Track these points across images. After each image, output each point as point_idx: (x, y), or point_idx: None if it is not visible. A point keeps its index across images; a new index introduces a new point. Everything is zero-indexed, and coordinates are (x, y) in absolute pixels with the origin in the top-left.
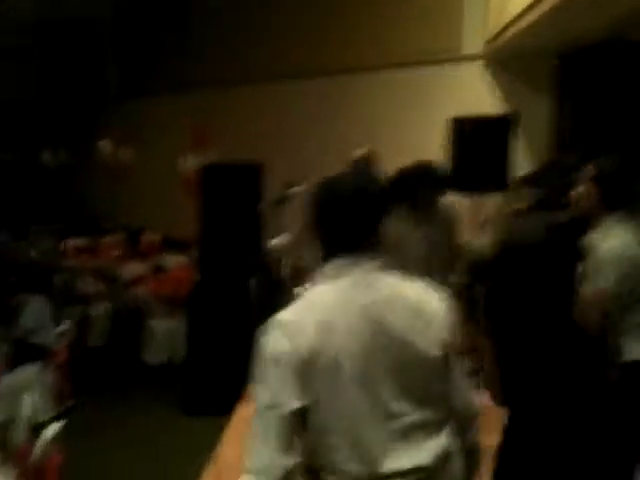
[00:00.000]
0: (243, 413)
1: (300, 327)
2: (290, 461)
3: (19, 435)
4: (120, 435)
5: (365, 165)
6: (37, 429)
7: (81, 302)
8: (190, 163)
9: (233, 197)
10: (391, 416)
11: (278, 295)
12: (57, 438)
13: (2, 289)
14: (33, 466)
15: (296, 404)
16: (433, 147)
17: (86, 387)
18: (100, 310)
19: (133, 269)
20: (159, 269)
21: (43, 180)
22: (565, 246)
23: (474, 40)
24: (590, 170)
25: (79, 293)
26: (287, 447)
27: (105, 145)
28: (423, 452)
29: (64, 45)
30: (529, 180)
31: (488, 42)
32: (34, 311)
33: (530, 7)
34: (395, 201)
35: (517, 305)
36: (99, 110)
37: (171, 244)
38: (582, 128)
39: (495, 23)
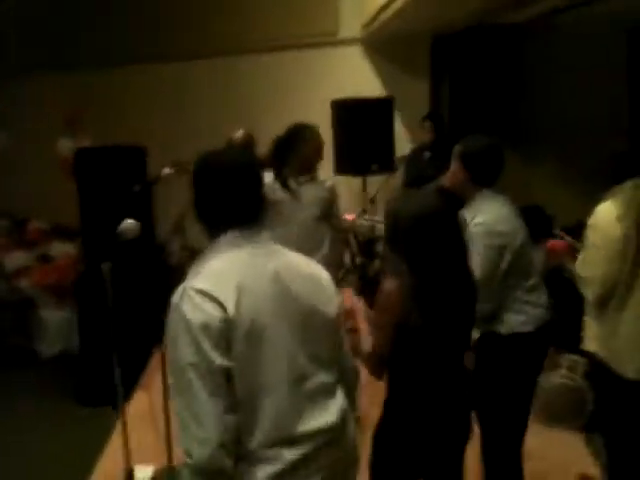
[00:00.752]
0: (139, 402)
1: (217, 294)
2: (230, 421)
3: None
4: (7, 431)
5: (243, 147)
6: None
7: None
8: (64, 146)
9: (114, 181)
10: (304, 378)
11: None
12: None
13: None
14: None
15: (225, 362)
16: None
17: None
18: None
19: (17, 259)
20: (45, 258)
21: None
22: (454, 214)
23: (352, 24)
24: (457, 149)
25: None
26: (225, 405)
27: None
28: (327, 413)
29: None
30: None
31: (364, 26)
32: None
33: None
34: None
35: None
36: None
37: (61, 232)
38: (457, 108)
39: (370, 7)
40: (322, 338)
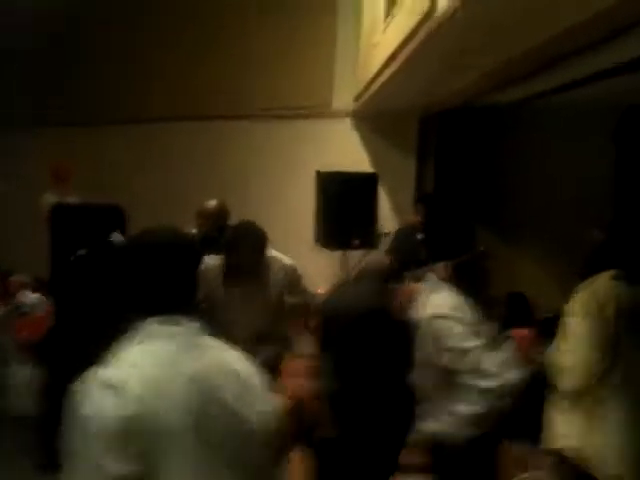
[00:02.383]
0: None
1: (127, 388)
2: None
3: None
4: None
5: (217, 217)
6: None
7: None
8: (48, 201)
9: (87, 240)
10: None
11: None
12: None
13: None
14: None
15: (121, 470)
16: (301, 200)
17: None
18: None
19: None
20: (21, 313)
21: None
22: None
23: (344, 97)
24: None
25: None
26: None
27: None
28: None
29: None
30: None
31: (355, 99)
32: None
33: (386, 64)
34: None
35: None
36: None
37: (42, 286)
38: (441, 187)
39: (361, 80)
40: (245, 447)
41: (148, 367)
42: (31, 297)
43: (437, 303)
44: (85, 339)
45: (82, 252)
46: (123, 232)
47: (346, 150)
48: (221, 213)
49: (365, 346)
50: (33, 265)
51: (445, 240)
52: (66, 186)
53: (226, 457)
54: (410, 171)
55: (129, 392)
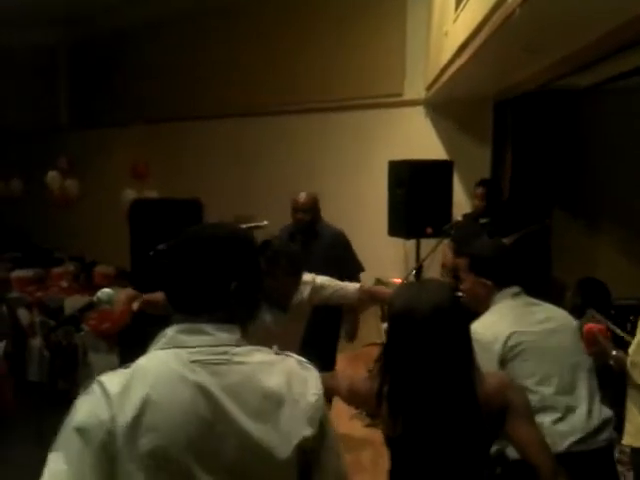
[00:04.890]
0: None
1: (124, 397)
2: None
3: None
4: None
5: (307, 211)
6: None
7: (20, 334)
8: (127, 197)
9: (166, 234)
10: None
11: None
12: None
13: None
14: None
15: None
16: (373, 190)
17: (20, 423)
18: (39, 344)
19: (77, 303)
20: (105, 304)
21: None
22: (461, 319)
23: (416, 85)
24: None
25: (19, 325)
26: None
27: (52, 176)
28: None
29: (17, 72)
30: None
31: (428, 88)
32: None
33: (458, 53)
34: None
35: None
36: (52, 140)
37: (124, 278)
38: (519, 174)
39: (432, 69)
40: (257, 477)
41: (150, 378)
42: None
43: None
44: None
45: (162, 246)
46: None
47: (419, 139)
48: (310, 206)
49: (437, 344)
50: (116, 257)
51: (506, 221)
52: (145, 182)
53: None
54: (485, 158)
55: (125, 403)
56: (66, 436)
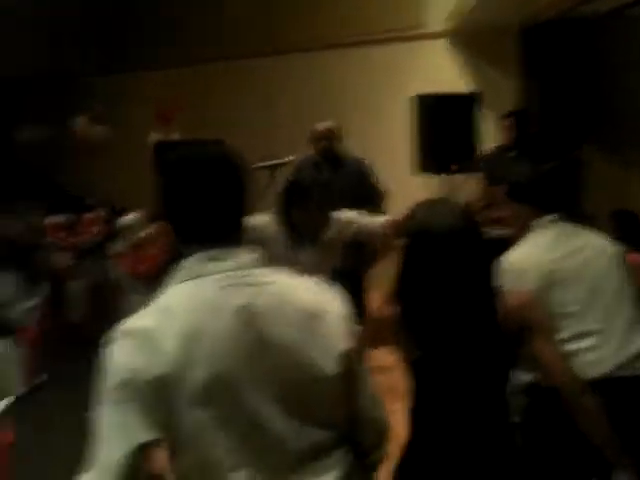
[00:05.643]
0: None
1: (158, 337)
2: None
3: None
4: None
5: (330, 138)
6: None
7: (58, 278)
8: (154, 140)
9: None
10: (280, 447)
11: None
12: (7, 414)
13: None
14: None
15: (148, 437)
16: (397, 125)
17: (61, 365)
18: (78, 286)
19: (112, 246)
20: (138, 247)
21: (23, 158)
22: (478, 238)
23: (438, 16)
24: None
25: (56, 269)
26: None
27: (80, 122)
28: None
29: (41, 18)
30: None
31: (450, 18)
32: (4, 286)
33: None
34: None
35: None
36: (75, 85)
37: (154, 222)
38: (548, 104)
39: None
40: (308, 394)
41: (184, 311)
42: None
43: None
44: None
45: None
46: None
47: (443, 72)
48: (334, 134)
49: (455, 266)
50: (146, 204)
51: (535, 154)
52: (171, 126)
53: (283, 405)
54: (512, 90)
55: (160, 343)
56: (111, 386)
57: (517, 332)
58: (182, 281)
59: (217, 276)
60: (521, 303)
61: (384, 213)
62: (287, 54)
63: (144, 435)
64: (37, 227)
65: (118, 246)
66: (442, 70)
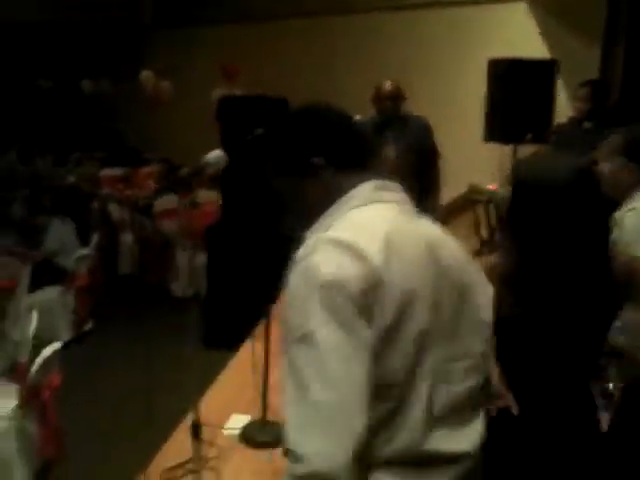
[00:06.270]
0: (246, 352)
1: (362, 248)
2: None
3: (25, 352)
4: (133, 363)
5: (395, 98)
6: (40, 348)
7: (112, 229)
8: (218, 96)
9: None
10: (446, 377)
11: None
12: (56, 359)
13: (33, 210)
14: (30, 384)
15: (370, 335)
16: (469, 91)
17: (109, 313)
18: (130, 239)
19: (166, 201)
20: (192, 204)
21: (85, 109)
22: (594, 191)
23: None
24: (616, 140)
25: (111, 220)
26: (367, 401)
27: (146, 76)
28: (473, 433)
29: None
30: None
31: None
32: (60, 234)
33: None
34: None
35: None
36: (140, 40)
37: (209, 179)
38: (632, 75)
39: None
40: (470, 336)
41: (378, 229)
42: (204, 192)
43: None
44: (254, 228)
45: (259, 131)
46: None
47: (520, 37)
48: (399, 94)
49: (563, 220)
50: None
51: (613, 127)
52: (235, 83)
53: (454, 346)
54: (593, 58)
55: (369, 249)
56: (321, 297)
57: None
58: (356, 207)
59: (389, 204)
60: (629, 262)
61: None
62: (357, 14)
63: (365, 332)
64: (93, 178)
65: (171, 202)
66: (520, 35)
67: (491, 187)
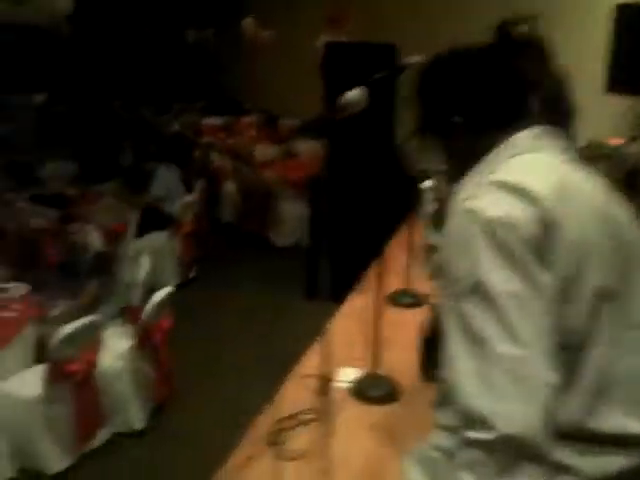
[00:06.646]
0: (356, 302)
1: (533, 189)
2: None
3: (136, 297)
4: (235, 310)
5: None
6: (152, 292)
7: (214, 177)
8: (322, 42)
9: (359, 80)
10: (622, 347)
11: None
12: (166, 302)
13: (140, 157)
14: (142, 326)
15: (547, 279)
16: (590, 39)
17: (212, 260)
18: (232, 187)
19: (266, 151)
20: (291, 154)
21: (187, 58)
22: None
23: None
24: None
25: (213, 168)
26: (552, 358)
27: (248, 23)
28: None
29: None
30: None
31: None
32: (166, 180)
33: None
34: None
35: None
36: None
37: (308, 129)
38: None
39: None
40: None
41: (547, 173)
42: (301, 141)
43: None
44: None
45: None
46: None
47: None
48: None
49: None
50: (304, 111)
51: None
52: (341, 30)
53: (627, 302)
54: None
55: (541, 191)
56: (490, 240)
57: None
58: (518, 154)
59: (555, 152)
60: None
61: None
62: None
63: (545, 277)
64: (196, 127)
65: (270, 152)
66: None
67: (614, 140)
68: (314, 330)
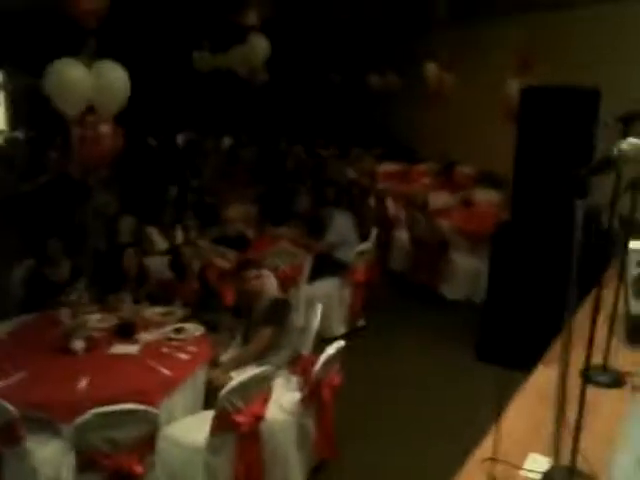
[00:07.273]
0: (540, 378)
1: None
2: None
3: (308, 345)
4: (404, 366)
5: None
6: (323, 343)
7: (387, 225)
8: (512, 88)
9: (559, 126)
10: None
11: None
12: (338, 356)
13: (317, 202)
14: (312, 379)
15: None
16: None
17: (381, 310)
18: (404, 236)
19: (441, 199)
20: (467, 203)
21: (368, 103)
22: None
23: None
24: None
25: (386, 216)
26: None
27: (431, 68)
28: None
29: None
30: None
31: None
32: (340, 227)
33: None
34: None
35: None
36: (424, 34)
37: (485, 179)
38: None
39: None
40: None
41: None
42: (481, 191)
43: None
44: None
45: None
46: (595, 117)
47: None
48: None
49: None
50: (480, 158)
51: None
52: (530, 73)
53: None
54: None
55: None
56: None
57: None
58: None
59: None
60: None
61: None
62: None
63: None
64: (371, 173)
65: (445, 200)
66: None
67: None
68: (486, 398)
